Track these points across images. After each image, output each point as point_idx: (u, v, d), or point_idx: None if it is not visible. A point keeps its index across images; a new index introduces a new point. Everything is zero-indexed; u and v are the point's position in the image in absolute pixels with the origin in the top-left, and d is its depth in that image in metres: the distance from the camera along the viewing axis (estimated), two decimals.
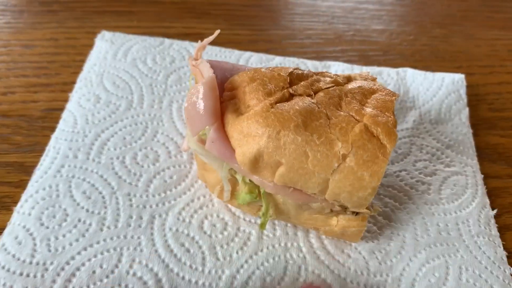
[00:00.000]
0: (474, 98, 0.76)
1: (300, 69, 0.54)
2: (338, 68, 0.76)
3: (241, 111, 0.50)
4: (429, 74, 0.75)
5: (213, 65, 0.54)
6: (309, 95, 0.51)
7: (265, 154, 0.47)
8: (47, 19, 0.82)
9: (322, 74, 0.55)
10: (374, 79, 0.55)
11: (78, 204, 0.55)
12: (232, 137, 0.49)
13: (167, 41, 0.77)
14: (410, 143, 0.66)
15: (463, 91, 0.73)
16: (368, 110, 0.49)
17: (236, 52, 0.77)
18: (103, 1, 0.87)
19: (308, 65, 0.76)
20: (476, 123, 0.72)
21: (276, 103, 0.49)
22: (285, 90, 0.50)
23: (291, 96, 0.50)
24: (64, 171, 0.58)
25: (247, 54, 0.77)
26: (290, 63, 0.76)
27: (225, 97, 0.52)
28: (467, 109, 0.71)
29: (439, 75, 0.75)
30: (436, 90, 0.73)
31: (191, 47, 0.77)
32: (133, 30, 0.81)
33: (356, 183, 0.46)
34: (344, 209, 0.50)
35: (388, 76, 0.75)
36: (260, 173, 0.49)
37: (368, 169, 0.46)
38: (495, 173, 0.66)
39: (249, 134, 0.48)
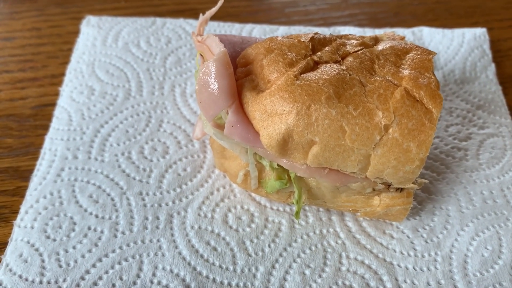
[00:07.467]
0: (497, 55, 0.70)
1: (321, 34, 0.48)
2: (349, 33, 0.69)
3: (261, 87, 0.44)
4: (447, 31, 0.69)
5: (221, 39, 0.47)
6: (336, 62, 0.45)
7: (295, 134, 0.41)
8: (26, 7, 0.74)
9: (346, 37, 0.49)
10: (402, 38, 0.50)
11: (85, 210, 0.49)
12: (254, 118, 0.43)
13: (159, 20, 0.70)
14: None
15: (486, 46, 0.67)
16: (406, 72, 0.43)
17: (237, 26, 0.70)
18: None
19: None
20: (503, 81, 0.66)
21: (300, 73, 0.43)
22: (309, 58, 0.44)
23: (316, 65, 0.44)
24: (65, 174, 0.52)
25: (249, 26, 0.70)
26: (296, 32, 0.69)
27: (240, 73, 0.46)
28: (493, 65, 0.66)
29: (458, 31, 0.69)
30: (457, 47, 0.67)
31: (186, 24, 0.70)
32: (121, 11, 0.73)
33: (402, 156, 0.41)
34: (387, 186, 0.45)
35: None
36: (290, 155, 0.43)
37: (414, 139, 0.40)
38: None
39: (274, 112, 0.42)
